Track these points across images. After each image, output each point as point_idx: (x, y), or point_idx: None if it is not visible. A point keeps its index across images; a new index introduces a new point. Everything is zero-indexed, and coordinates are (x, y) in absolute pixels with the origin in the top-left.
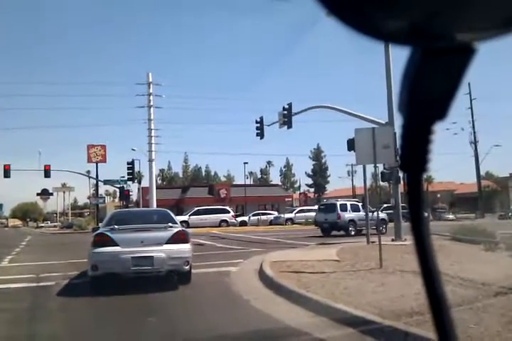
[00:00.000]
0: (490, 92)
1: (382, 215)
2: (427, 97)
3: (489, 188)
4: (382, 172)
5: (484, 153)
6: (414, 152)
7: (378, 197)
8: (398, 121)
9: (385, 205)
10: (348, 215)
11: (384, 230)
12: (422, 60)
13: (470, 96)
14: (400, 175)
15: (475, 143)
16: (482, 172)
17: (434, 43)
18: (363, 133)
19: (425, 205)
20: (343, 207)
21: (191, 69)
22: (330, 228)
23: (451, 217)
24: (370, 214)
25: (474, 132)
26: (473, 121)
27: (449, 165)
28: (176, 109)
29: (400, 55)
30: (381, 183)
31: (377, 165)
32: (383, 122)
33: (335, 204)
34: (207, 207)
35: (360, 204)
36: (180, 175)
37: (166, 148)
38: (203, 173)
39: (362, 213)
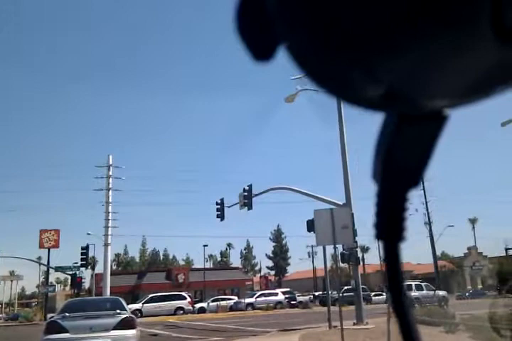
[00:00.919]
0: (442, 172)
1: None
2: (401, 165)
3: (446, 268)
4: (341, 253)
5: (439, 233)
6: (389, 220)
7: (339, 279)
8: (356, 201)
9: (346, 287)
10: (414, 294)
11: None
12: (396, 127)
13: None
14: (360, 255)
15: (429, 223)
16: (438, 253)
17: (408, 110)
18: (322, 214)
19: (404, 277)
20: (409, 287)
21: (152, 151)
22: None
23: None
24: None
25: (428, 213)
26: (426, 202)
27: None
28: (135, 191)
29: (358, 130)
30: (341, 264)
31: (337, 245)
32: (341, 203)
33: None
34: (162, 293)
35: (423, 284)
36: (137, 260)
37: (123, 232)
38: (161, 257)
39: (425, 292)
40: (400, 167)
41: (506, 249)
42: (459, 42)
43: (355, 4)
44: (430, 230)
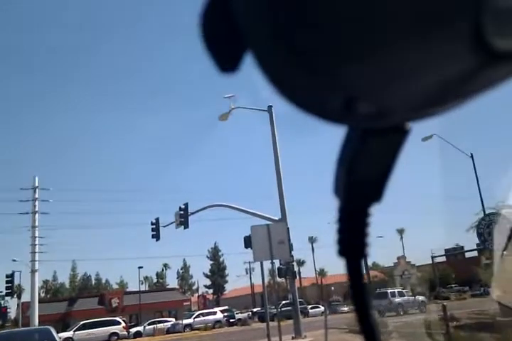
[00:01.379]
0: None
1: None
2: (363, 179)
3: (377, 278)
4: (278, 268)
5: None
6: (352, 236)
7: (277, 294)
8: (291, 216)
9: (283, 302)
10: (397, 300)
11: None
12: (359, 141)
13: None
14: (296, 269)
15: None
16: (369, 263)
17: (369, 123)
18: (258, 230)
19: (368, 293)
20: (393, 294)
21: (81, 171)
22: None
23: (346, 309)
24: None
25: None
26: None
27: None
28: (64, 214)
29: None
30: (278, 279)
31: (274, 260)
32: (276, 218)
33: (386, 292)
34: (94, 319)
35: (404, 291)
36: (67, 286)
37: (51, 257)
38: (93, 282)
39: (406, 297)
40: (363, 181)
41: (432, 257)
42: (432, 55)
43: (328, 12)
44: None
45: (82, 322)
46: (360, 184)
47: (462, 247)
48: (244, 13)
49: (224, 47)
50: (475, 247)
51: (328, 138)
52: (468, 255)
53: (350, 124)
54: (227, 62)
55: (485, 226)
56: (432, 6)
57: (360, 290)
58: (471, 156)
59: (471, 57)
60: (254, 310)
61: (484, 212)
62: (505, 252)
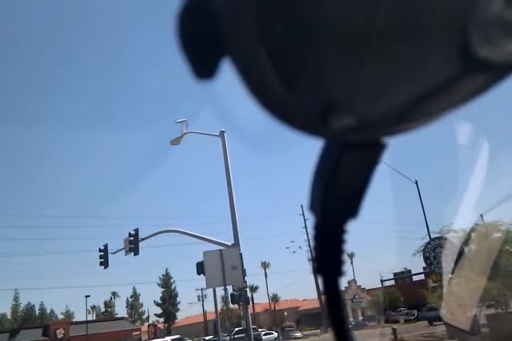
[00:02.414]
0: None
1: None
2: (340, 195)
3: None
4: (231, 294)
5: None
6: (328, 253)
7: (230, 320)
8: (244, 241)
9: (237, 329)
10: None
11: None
12: (335, 156)
13: (303, 215)
14: (249, 295)
15: (312, 259)
16: (322, 288)
17: (348, 136)
18: (211, 256)
19: (346, 311)
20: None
21: (26, 197)
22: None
23: (298, 334)
24: None
25: (310, 249)
26: (308, 239)
27: (292, 282)
28: (4, 241)
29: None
30: (231, 306)
31: (227, 287)
32: (229, 244)
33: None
34: None
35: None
36: (9, 316)
37: None
38: (37, 312)
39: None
40: (339, 197)
41: (382, 281)
42: (417, 66)
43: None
44: (313, 266)
45: None
46: (337, 199)
47: (410, 271)
48: (227, 17)
49: (202, 53)
50: (422, 271)
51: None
52: (415, 278)
53: (329, 137)
54: (204, 68)
55: (430, 250)
56: (420, 18)
57: (338, 308)
58: (416, 183)
59: (456, 66)
60: (207, 337)
61: (430, 236)
62: (452, 275)
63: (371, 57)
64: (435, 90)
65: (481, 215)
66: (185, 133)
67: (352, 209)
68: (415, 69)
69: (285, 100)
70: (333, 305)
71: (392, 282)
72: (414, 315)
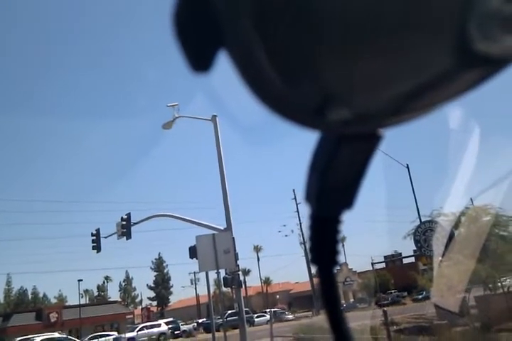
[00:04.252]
0: None
1: None
2: (336, 186)
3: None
4: (224, 278)
5: None
6: (323, 244)
7: (222, 304)
8: (236, 225)
9: (229, 312)
10: None
11: None
12: (332, 147)
13: (296, 200)
14: (242, 279)
15: (304, 243)
16: (313, 271)
17: (344, 128)
18: (204, 240)
19: (339, 300)
20: None
21: (16, 179)
22: None
23: (290, 317)
24: None
25: (302, 233)
26: (300, 223)
27: (284, 265)
28: None
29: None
30: (224, 289)
31: (220, 270)
32: (222, 228)
33: None
34: (31, 336)
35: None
36: (2, 301)
37: None
38: (30, 296)
39: None
40: (335, 188)
41: (372, 264)
42: (414, 59)
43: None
44: (305, 250)
45: (18, 339)
46: (333, 190)
47: (400, 254)
48: (224, 10)
49: (198, 45)
50: (412, 253)
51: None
52: (405, 261)
53: (325, 129)
54: (201, 61)
55: (421, 233)
56: (418, 12)
57: (333, 297)
58: (407, 167)
59: (453, 60)
60: (200, 320)
61: (420, 219)
62: (442, 258)
63: (368, 50)
64: (432, 83)
65: (471, 199)
66: (176, 117)
67: (347, 200)
68: (413, 63)
69: (282, 93)
70: (327, 292)
71: (383, 265)
72: (404, 297)
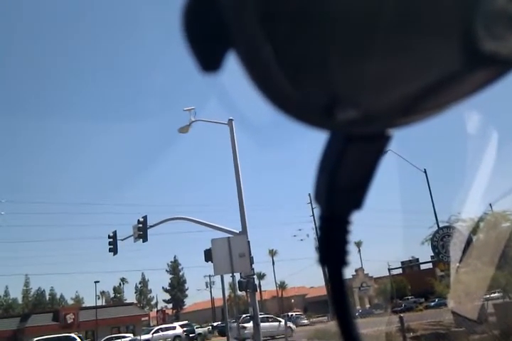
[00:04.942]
0: None
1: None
2: (345, 186)
3: None
4: (239, 281)
5: None
6: (333, 244)
7: (237, 307)
8: (251, 229)
9: (244, 315)
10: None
11: None
12: (342, 147)
13: (311, 204)
14: (256, 282)
15: (317, 249)
16: (322, 272)
17: (353, 129)
18: (219, 243)
19: (349, 301)
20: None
21: (36, 182)
22: None
23: (305, 321)
24: None
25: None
26: (315, 227)
27: (299, 270)
28: (16, 227)
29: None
30: (239, 292)
31: (235, 274)
32: (237, 231)
33: None
34: (48, 336)
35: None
36: (20, 301)
37: (3, 271)
38: (47, 297)
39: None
40: (344, 188)
41: (389, 270)
42: (422, 59)
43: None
44: (318, 256)
45: (35, 339)
46: (342, 191)
47: (417, 259)
48: (231, 11)
49: (207, 45)
50: (429, 259)
51: (294, 152)
52: (423, 267)
53: (334, 130)
54: (210, 61)
55: (439, 239)
56: (425, 12)
57: (342, 298)
58: (425, 171)
59: (461, 60)
60: (215, 324)
61: (438, 225)
62: (459, 264)
63: (377, 50)
64: (440, 84)
65: (490, 204)
66: (193, 121)
67: (356, 201)
68: (420, 63)
69: (290, 93)
70: (337, 294)
71: (400, 270)
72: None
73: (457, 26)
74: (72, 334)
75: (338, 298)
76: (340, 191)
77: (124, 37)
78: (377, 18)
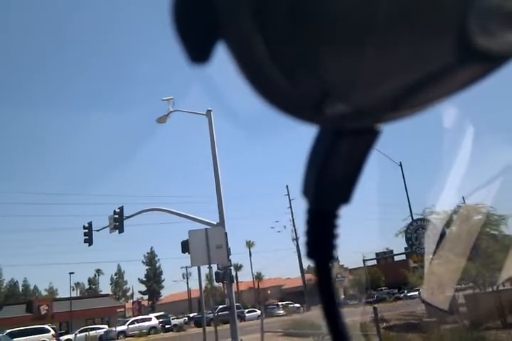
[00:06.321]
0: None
1: None
2: (333, 180)
3: (312, 281)
4: (216, 273)
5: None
6: (320, 238)
7: (214, 298)
8: (228, 221)
9: (220, 306)
10: None
11: None
12: (330, 142)
13: (289, 196)
14: (233, 274)
15: (296, 239)
16: (305, 267)
17: (342, 123)
18: (196, 235)
19: (336, 295)
20: None
21: (9, 173)
22: None
23: (281, 312)
24: None
25: (295, 229)
26: (293, 219)
27: (276, 261)
28: None
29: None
30: (216, 284)
31: (212, 265)
32: (215, 223)
33: None
34: (21, 328)
35: None
36: None
37: None
38: (20, 288)
39: None
40: (333, 183)
41: (364, 261)
42: (414, 54)
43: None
44: (297, 245)
45: (7, 331)
46: (330, 185)
47: (392, 251)
48: (223, 2)
49: (197, 35)
50: (403, 251)
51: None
52: (397, 258)
53: (323, 124)
54: (199, 51)
55: (412, 231)
56: (418, 7)
57: (329, 292)
58: (400, 165)
59: (454, 56)
60: (191, 315)
61: (412, 217)
62: (433, 256)
63: (369, 45)
64: (431, 79)
65: (463, 198)
66: (171, 111)
67: (345, 195)
68: (412, 58)
69: (281, 86)
70: (324, 286)
71: (374, 262)
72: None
73: (450, 21)
74: (46, 326)
75: (325, 290)
76: (328, 185)
77: (108, 21)
78: (369, 13)
